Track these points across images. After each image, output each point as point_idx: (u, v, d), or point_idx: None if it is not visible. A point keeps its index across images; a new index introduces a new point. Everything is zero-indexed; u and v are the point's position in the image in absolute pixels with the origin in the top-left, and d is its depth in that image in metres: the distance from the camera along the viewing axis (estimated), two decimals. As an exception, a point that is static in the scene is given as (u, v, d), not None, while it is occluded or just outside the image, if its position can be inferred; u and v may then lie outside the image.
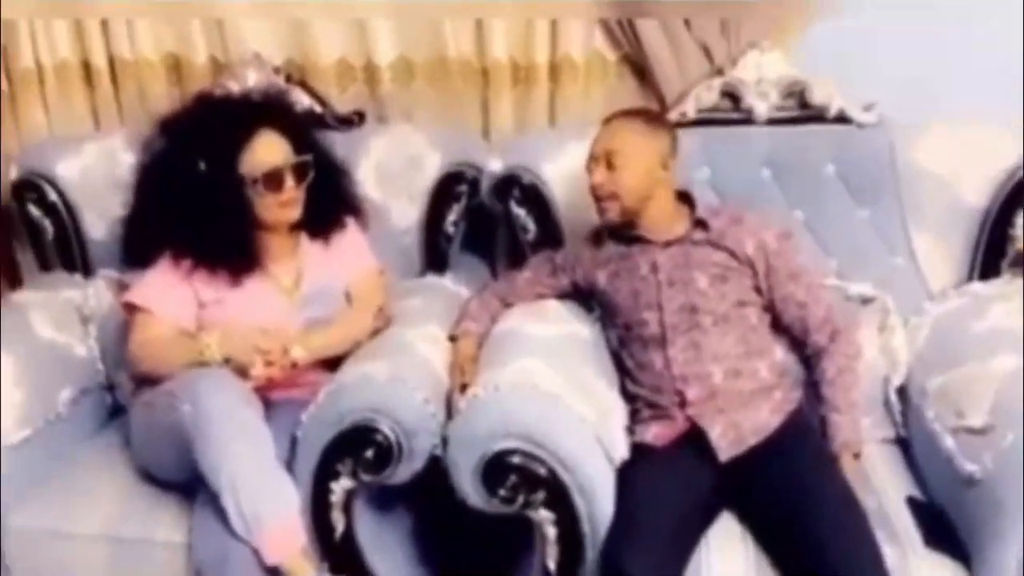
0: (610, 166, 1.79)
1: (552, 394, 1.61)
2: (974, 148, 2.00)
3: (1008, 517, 1.49)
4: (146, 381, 1.85)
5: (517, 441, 1.56)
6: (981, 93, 2.01)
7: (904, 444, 1.91)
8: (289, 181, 1.86)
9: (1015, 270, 2.01)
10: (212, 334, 1.79)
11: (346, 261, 2.02)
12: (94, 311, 2.17)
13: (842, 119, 2.08)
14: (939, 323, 1.91)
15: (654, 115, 1.94)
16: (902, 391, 1.90)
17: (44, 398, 1.95)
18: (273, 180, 1.85)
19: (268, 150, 1.86)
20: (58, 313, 2.13)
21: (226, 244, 1.86)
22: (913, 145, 2.03)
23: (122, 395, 2.12)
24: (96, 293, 2.20)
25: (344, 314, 1.95)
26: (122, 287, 2.11)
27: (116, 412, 2.14)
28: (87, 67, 2.41)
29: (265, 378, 1.77)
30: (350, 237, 2.04)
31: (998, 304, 1.88)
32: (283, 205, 1.87)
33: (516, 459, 1.57)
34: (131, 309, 1.91)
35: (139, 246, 1.97)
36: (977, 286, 1.99)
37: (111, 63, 2.40)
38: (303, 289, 1.95)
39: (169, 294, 1.87)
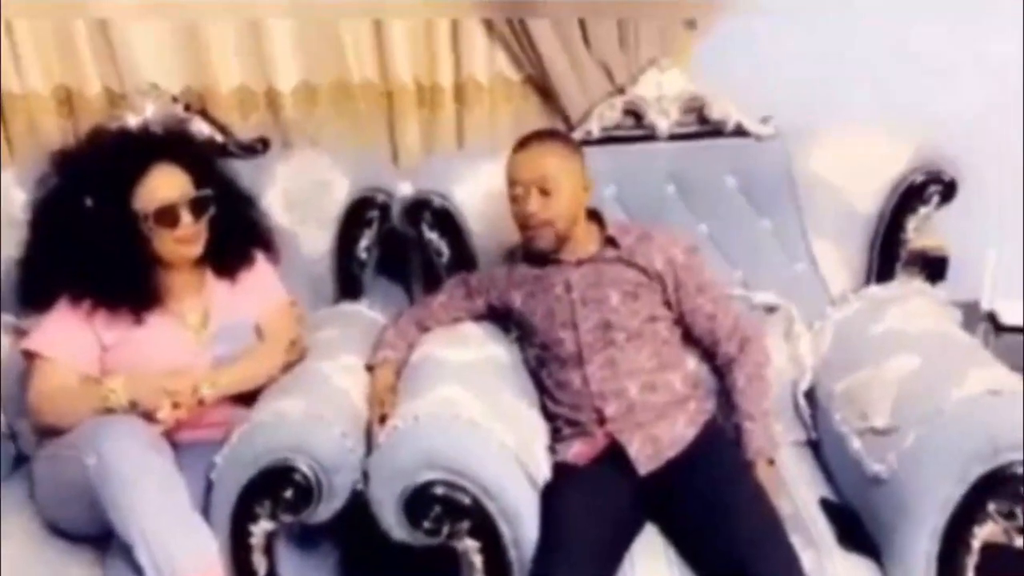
0: (543, 192, 1.79)
1: (472, 422, 1.62)
2: (865, 155, 2.09)
3: (914, 515, 1.56)
4: (49, 432, 1.77)
5: (439, 472, 1.56)
6: (873, 97, 2.10)
7: (815, 446, 1.97)
8: (185, 217, 1.80)
9: (907, 271, 2.10)
10: (116, 378, 1.73)
11: (255, 296, 1.97)
12: (-6, 358, 2.07)
13: (740, 132, 2.15)
14: (840, 327, 1.98)
15: (567, 136, 1.97)
16: (810, 394, 1.97)
17: (-61, 454, 1.86)
18: (167, 216, 1.78)
19: (161, 184, 1.79)
20: (-48, 362, 2.03)
21: (124, 283, 1.80)
22: (808, 155, 2.10)
23: (24, 444, 2.02)
24: (-5, 339, 2.10)
25: (254, 350, 1.91)
26: (20, 333, 2.01)
27: (19, 461, 2.04)
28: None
29: (173, 421, 1.72)
30: (258, 271, 2.00)
31: (893, 306, 1.96)
32: (180, 241, 1.81)
33: (439, 490, 1.57)
34: (30, 356, 1.83)
35: (36, 288, 1.89)
36: (874, 289, 2.07)
37: (-3, 97, 2.30)
38: (210, 327, 1.90)
39: (69, 338, 1.81)
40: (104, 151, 1.86)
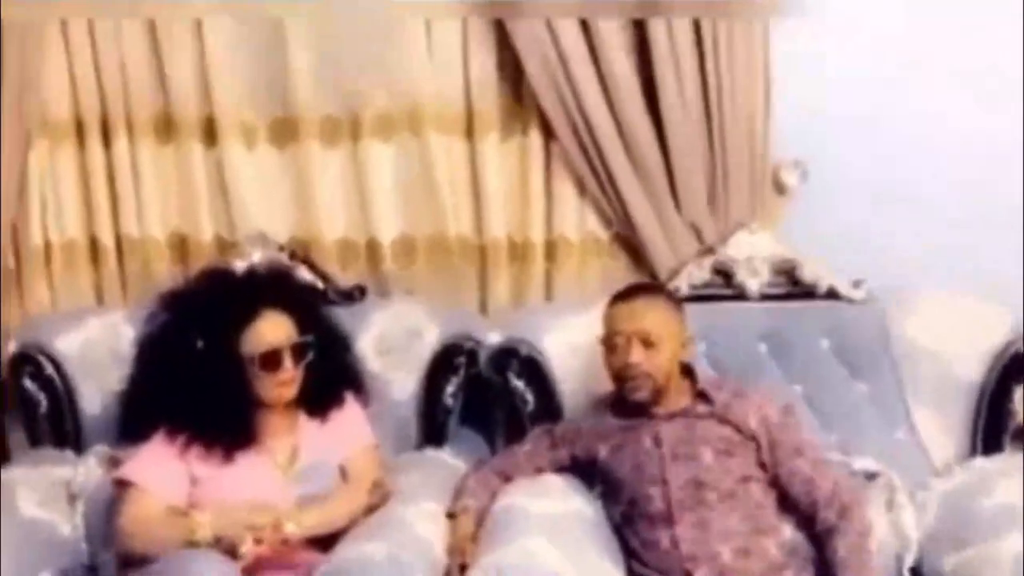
0: (646, 344, 1.80)
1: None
2: (966, 322, 2.05)
3: None
4: (132, 562, 1.77)
5: (521, 628, 1.49)
6: (972, 264, 2.08)
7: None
8: (287, 362, 1.86)
9: (1017, 444, 2.00)
10: (204, 513, 1.74)
11: (343, 437, 1.99)
12: (83, 488, 2.10)
13: (833, 295, 2.14)
14: (947, 500, 1.88)
15: (669, 291, 1.99)
16: (915, 571, 1.84)
17: (23, 580, 1.87)
18: (271, 360, 1.85)
19: (269, 330, 1.87)
20: (45, 490, 2.06)
21: (223, 421, 1.85)
22: (904, 319, 2.07)
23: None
24: (86, 470, 2.14)
25: (339, 491, 1.91)
26: (114, 463, 2.05)
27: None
28: (94, 244, 2.46)
29: (254, 556, 1.70)
30: (348, 412, 2.03)
31: (1004, 480, 1.86)
32: (280, 384, 1.87)
33: (519, 647, 1.49)
34: (123, 485, 1.86)
35: (135, 420, 1.95)
36: (981, 461, 1.98)
37: (118, 241, 2.44)
38: (297, 465, 1.92)
39: (162, 470, 1.84)
40: (215, 293, 1.95)
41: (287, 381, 1.87)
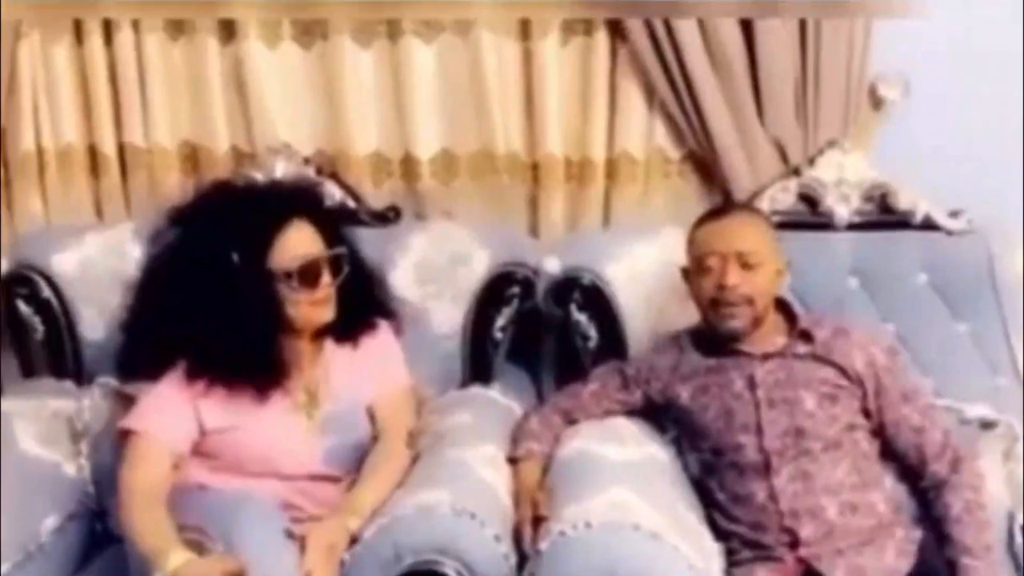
0: (745, 266, 1.59)
1: (654, 534, 1.36)
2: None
3: None
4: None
5: (622, 592, 1.29)
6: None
7: (1026, 592, 1.66)
8: (325, 276, 1.65)
9: None
10: (184, 553, 1.42)
11: (375, 370, 1.77)
12: (88, 425, 1.89)
13: (930, 225, 1.93)
14: (1054, 453, 1.70)
15: (763, 212, 1.77)
16: (1025, 530, 1.67)
17: (26, 526, 1.66)
18: (309, 274, 1.62)
19: (302, 241, 1.64)
20: (45, 424, 1.86)
21: (251, 353, 1.61)
22: (1011, 254, 1.88)
23: (114, 524, 1.80)
24: (92, 404, 1.92)
25: (381, 456, 1.68)
26: (123, 398, 1.83)
27: (105, 542, 1.82)
28: (93, 153, 2.20)
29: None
30: (382, 339, 1.80)
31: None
32: (316, 304, 1.64)
33: (617, 614, 1.30)
34: (126, 433, 1.63)
35: (144, 355, 1.71)
36: (1093, 412, 1.79)
37: (120, 150, 2.19)
38: (324, 408, 1.70)
39: (173, 419, 1.62)
40: (236, 202, 1.71)
41: (324, 300, 1.65)
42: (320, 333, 1.72)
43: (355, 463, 1.70)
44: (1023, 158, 1.96)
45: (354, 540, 1.48)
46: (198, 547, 1.42)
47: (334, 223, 1.79)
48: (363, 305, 1.78)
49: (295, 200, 1.74)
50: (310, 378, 1.71)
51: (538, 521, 1.48)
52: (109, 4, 2.08)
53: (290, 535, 1.45)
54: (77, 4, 2.09)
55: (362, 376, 1.75)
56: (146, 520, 1.50)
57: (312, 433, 1.68)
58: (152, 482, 1.56)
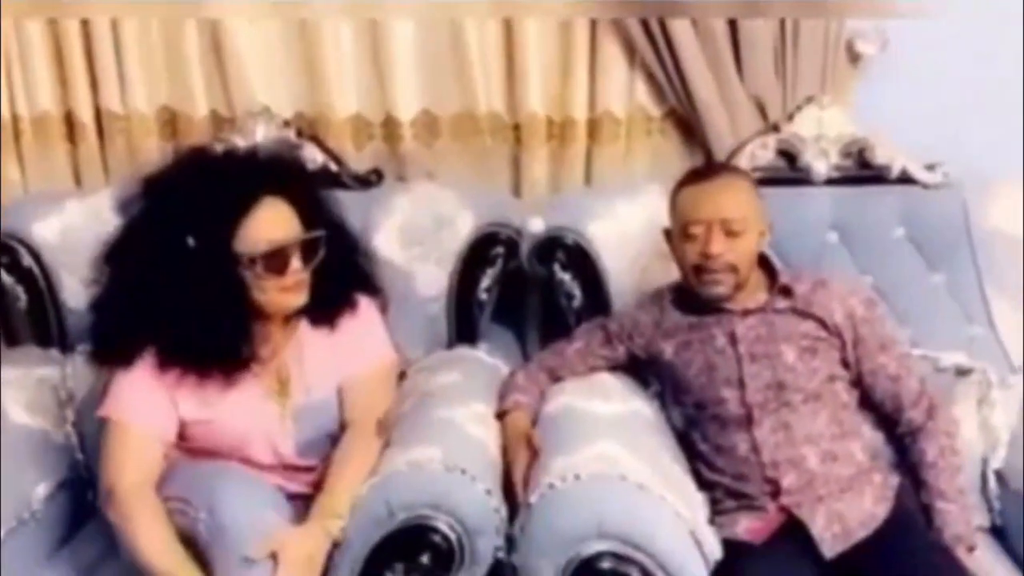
0: (730, 234, 1.59)
1: (642, 486, 1.39)
2: (1052, 208, 1.88)
3: None
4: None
5: (611, 543, 1.33)
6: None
7: (999, 533, 1.71)
8: (295, 263, 1.55)
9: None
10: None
11: (354, 351, 1.68)
12: (72, 392, 1.89)
13: (906, 179, 1.95)
14: (1030, 399, 1.75)
15: (747, 173, 1.78)
16: (999, 473, 1.72)
17: (18, 494, 1.66)
18: (276, 260, 1.53)
19: (272, 223, 1.54)
20: (32, 391, 1.86)
21: (216, 340, 1.53)
22: (987, 207, 1.90)
23: (104, 514, 1.78)
24: (75, 371, 1.91)
25: (352, 446, 1.60)
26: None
27: (96, 509, 1.82)
28: (70, 119, 2.17)
29: None
30: (363, 319, 1.71)
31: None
32: (285, 290, 1.55)
33: (606, 564, 1.33)
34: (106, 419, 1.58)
35: (112, 339, 1.62)
36: (1065, 358, 1.84)
37: (97, 115, 2.16)
38: (297, 399, 1.64)
39: (149, 405, 1.56)
40: (206, 177, 1.58)
41: (294, 286, 1.55)
42: (293, 315, 1.63)
43: (331, 449, 1.64)
44: (998, 112, 1.99)
45: (336, 544, 1.45)
46: (183, 516, 1.44)
47: (314, 199, 1.66)
48: (343, 284, 1.68)
49: (271, 175, 1.61)
50: (282, 363, 1.64)
51: (535, 457, 1.50)
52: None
53: (279, 502, 1.46)
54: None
55: (339, 361, 1.67)
56: (152, 536, 1.45)
57: (285, 423, 1.62)
58: (143, 479, 1.52)
